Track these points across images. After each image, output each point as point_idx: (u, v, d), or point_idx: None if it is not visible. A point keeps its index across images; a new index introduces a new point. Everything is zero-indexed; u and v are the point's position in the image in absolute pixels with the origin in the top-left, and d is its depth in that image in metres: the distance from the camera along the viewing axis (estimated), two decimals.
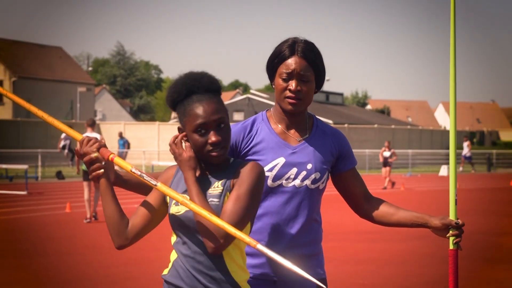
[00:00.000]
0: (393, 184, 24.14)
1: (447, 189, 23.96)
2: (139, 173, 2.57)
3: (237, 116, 50.30)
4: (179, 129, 2.66)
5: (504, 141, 64.47)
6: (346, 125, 40.11)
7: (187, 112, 2.60)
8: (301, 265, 2.88)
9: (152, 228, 2.70)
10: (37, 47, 59.83)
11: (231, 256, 2.58)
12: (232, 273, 2.57)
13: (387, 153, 23.85)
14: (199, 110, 2.57)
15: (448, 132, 55.06)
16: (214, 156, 2.58)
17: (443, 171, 34.55)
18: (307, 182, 3.00)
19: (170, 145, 2.63)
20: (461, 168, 36.66)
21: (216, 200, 2.56)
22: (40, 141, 36.29)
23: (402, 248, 10.53)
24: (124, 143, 31.33)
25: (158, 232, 2.74)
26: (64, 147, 32.75)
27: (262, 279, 2.99)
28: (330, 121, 38.77)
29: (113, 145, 33.36)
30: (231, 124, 2.79)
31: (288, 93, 2.98)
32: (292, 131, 3.07)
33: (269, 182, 2.97)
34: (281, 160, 2.99)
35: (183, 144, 2.61)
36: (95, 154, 2.61)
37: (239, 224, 2.48)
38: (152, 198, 2.69)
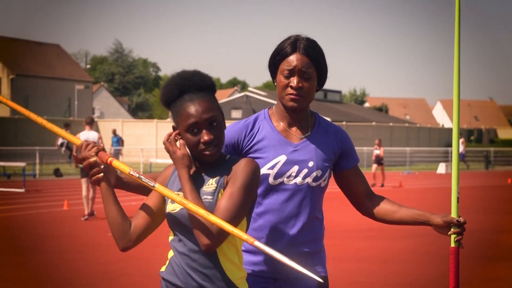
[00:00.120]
0: (373, 184, 24.11)
1: (445, 187, 24.01)
2: (137, 175, 2.58)
3: (235, 114, 50.30)
4: (173, 128, 2.67)
5: (502, 139, 64.59)
6: (344, 123, 40.09)
7: (179, 112, 2.60)
8: (302, 263, 2.88)
9: (154, 228, 2.71)
10: (35, 45, 59.74)
11: (225, 254, 2.58)
12: (226, 271, 2.58)
13: (378, 151, 23.91)
14: (191, 109, 2.57)
15: (446, 130, 55.19)
16: (208, 154, 2.58)
17: (441, 168, 34.58)
18: (309, 179, 2.99)
19: (164, 143, 2.63)
20: (466, 165, 36.64)
21: (209, 197, 2.57)
22: (38, 138, 36.24)
23: (402, 246, 10.52)
24: (118, 140, 31.32)
25: (156, 229, 2.74)
26: (62, 144, 32.66)
27: (262, 277, 3.00)
28: (328, 119, 38.57)
29: (109, 142, 33.34)
30: (232, 122, 2.78)
31: (289, 90, 2.97)
32: (294, 128, 3.06)
33: (271, 179, 2.97)
34: (282, 158, 2.98)
35: (177, 142, 2.61)
36: (93, 159, 2.62)
37: (233, 221, 2.48)
38: (152, 198, 2.70)
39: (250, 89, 62.72)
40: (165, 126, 40.40)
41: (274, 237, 2.97)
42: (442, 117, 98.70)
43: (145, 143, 39.10)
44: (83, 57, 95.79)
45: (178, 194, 2.55)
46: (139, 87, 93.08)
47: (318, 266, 3.05)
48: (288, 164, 2.98)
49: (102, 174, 2.62)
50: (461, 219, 2.93)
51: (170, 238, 2.67)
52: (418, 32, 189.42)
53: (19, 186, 21.16)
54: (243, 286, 2.63)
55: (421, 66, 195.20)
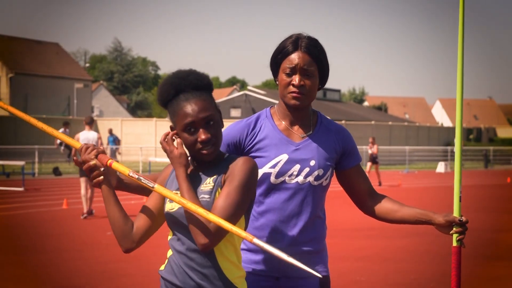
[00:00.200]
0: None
1: (444, 186, 24.01)
2: (136, 176, 2.58)
3: (234, 113, 50.30)
4: (171, 128, 2.67)
5: (501, 137, 64.60)
6: (343, 122, 40.10)
7: (176, 111, 2.60)
8: (304, 262, 2.87)
9: (156, 229, 2.72)
10: (34, 43, 59.69)
11: (223, 253, 2.58)
12: (224, 270, 2.58)
13: (370, 150, 23.97)
14: (187, 109, 2.57)
15: (445, 128, 55.19)
16: (205, 154, 2.58)
17: (440, 167, 34.58)
18: (310, 178, 2.99)
19: (161, 142, 2.64)
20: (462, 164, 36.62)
21: (207, 196, 2.57)
22: (37, 137, 36.22)
23: (402, 245, 10.52)
24: (114, 140, 31.31)
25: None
26: (61, 143, 32.60)
27: (264, 275, 2.99)
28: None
29: (105, 142, 33.27)
30: (232, 121, 2.78)
31: (291, 88, 2.97)
32: (296, 127, 3.06)
33: (272, 178, 2.97)
34: (284, 157, 2.98)
35: (175, 141, 2.62)
36: (93, 162, 2.62)
37: (230, 220, 2.47)
38: (153, 199, 2.71)
39: (249, 88, 62.71)
40: (164, 125, 40.39)
41: (276, 236, 2.96)
42: (441, 116, 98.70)
43: (144, 142, 39.10)
44: (82, 56, 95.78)
45: (176, 193, 2.55)
46: (138, 86, 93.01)
47: (320, 265, 3.04)
48: (289, 163, 2.98)
49: (102, 177, 2.62)
50: (463, 218, 2.91)
51: (169, 237, 2.68)
52: (417, 31, 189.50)
53: (18, 185, 21.15)
54: (241, 286, 2.62)
55: (421, 65, 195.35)
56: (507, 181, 27.09)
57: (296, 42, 2.98)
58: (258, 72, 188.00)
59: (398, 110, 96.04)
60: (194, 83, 2.61)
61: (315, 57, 2.98)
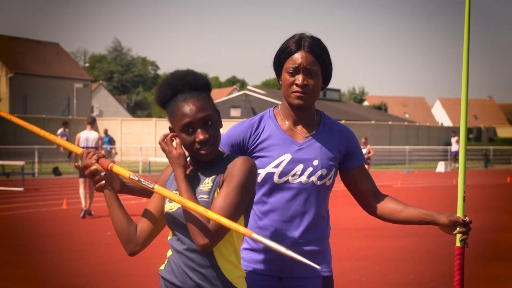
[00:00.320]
0: None
1: (444, 186, 24.00)
2: (137, 178, 2.59)
3: (234, 112, 50.29)
4: (170, 129, 2.67)
5: (501, 137, 64.60)
6: (343, 121, 40.09)
7: (174, 112, 2.61)
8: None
9: (160, 230, 2.72)
10: (34, 43, 59.65)
11: (222, 253, 2.58)
12: (223, 270, 2.58)
13: (364, 150, 23.92)
14: (185, 109, 2.58)
15: (445, 128, 55.18)
16: (203, 154, 2.59)
17: (440, 167, 34.56)
18: (314, 178, 2.99)
19: (160, 143, 2.65)
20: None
21: (205, 196, 2.57)
22: (37, 137, 36.08)
23: (402, 245, 10.51)
24: (109, 140, 31.33)
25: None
26: None
27: (267, 275, 3.00)
28: None
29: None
30: (231, 121, 2.78)
31: (295, 88, 2.98)
32: (299, 127, 3.06)
33: (275, 178, 2.97)
34: (287, 157, 2.99)
35: (174, 141, 2.62)
36: (94, 167, 2.63)
37: (230, 219, 2.47)
38: (154, 200, 2.72)
39: (249, 87, 62.66)
40: (164, 125, 40.37)
41: (279, 235, 2.97)
42: (441, 116, 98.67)
43: (144, 142, 39.09)
44: (82, 56, 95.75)
45: (176, 194, 2.55)
46: (138, 86, 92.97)
47: (323, 265, 3.04)
48: (292, 162, 2.98)
49: (103, 181, 2.63)
50: (467, 218, 2.92)
51: (169, 237, 2.68)
52: (417, 31, 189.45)
53: (18, 185, 21.15)
54: (241, 286, 2.63)
55: (421, 65, 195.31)
56: (507, 181, 27.08)
57: (299, 41, 2.99)
58: (257, 71, 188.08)
59: (398, 109, 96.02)
60: (191, 83, 2.61)
61: (318, 56, 2.99)
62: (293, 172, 2.97)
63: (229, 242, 2.59)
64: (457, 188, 3.00)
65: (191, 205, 2.44)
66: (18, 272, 8.32)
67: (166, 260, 2.67)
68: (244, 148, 3.02)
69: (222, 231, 2.48)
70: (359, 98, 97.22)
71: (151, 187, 2.54)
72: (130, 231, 2.64)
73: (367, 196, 3.12)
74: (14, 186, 21.18)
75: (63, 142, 2.79)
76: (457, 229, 2.92)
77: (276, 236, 2.96)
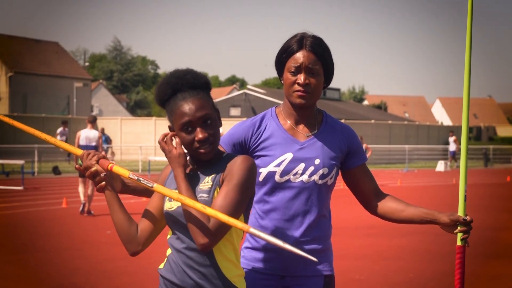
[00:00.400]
0: None
1: (444, 185, 24.00)
2: (136, 177, 2.60)
3: (234, 112, 50.27)
4: (169, 128, 2.67)
5: (501, 136, 64.62)
6: (343, 121, 40.07)
7: (173, 111, 2.61)
8: (309, 261, 2.93)
9: (160, 230, 2.73)
10: (33, 42, 59.62)
11: (222, 252, 2.58)
12: (223, 269, 2.58)
13: None
14: (184, 108, 2.58)
15: (445, 127, 55.16)
16: (203, 152, 2.59)
17: (440, 166, 34.54)
18: (315, 177, 2.99)
19: (159, 142, 2.65)
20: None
21: (205, 195, 2.57)
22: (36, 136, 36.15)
23: (402, 244, 10.51)
24: (106, 139, 31.33)
25: None
26: None
27: (269, 274, 3.00)
28: None
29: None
30: (231, 120, 2.79)
31: (296, 87, 2.98)
32: (301, 126, 3.07)
33: (277, 177, 2.98)
34: (289, 156, 2.99)
35: (173, 141, 2.63)
36: (94, 168, 2.64)
37: None
38: (154, 200, 2.72)
39: (249, 86, 62.63)
40: (164, 124, 40.35)
41: (281, 235, 2.97)
42: (441, 115, 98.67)
43: (143, 141, 39.07)
44: (81, 55, 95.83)
45: (176, 192, 2.56)
46: (137, 85, 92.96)
47: (324, 264, 3.05)
48: (294, 161, 2.98)
49: (104, 182, 2.64)
50: (468, 218, 2.92)
51: (169, 236, 2.69)
52: (417, 30, 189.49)
53: (18, 184, 21.14)
54: (240, 284, 2.63)
55: (420, 64, 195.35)
56: (507, 180, 27.08)
57: (301, 41, 2.99)
58: (257, 71, 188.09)
59: (397, 109, 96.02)
60: (191, 82, 2.61)
61: (320, 55, 2.99)
62: (294, 171, 2.98)
63: (228, 241, 2.59)
64: (456, 187, 3.00)
65: (189, 202, 2.45)
66: (18, 271, 8.32)
67: (166, 259, 2.67)
68: (246, 147, 3.02)
69: (222, 230, 2.48)
70: (359, 97, 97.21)
71: (150, 185, 2.55)
72: (131, 232, 2.65)
73: (369, 196, 3.12)
74: (14, 185, 21.18)
75: (64, 145, 2.80)
76: (458, 228, 2.92)
77: (277, 235, 2.95)
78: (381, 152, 39.99)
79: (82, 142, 13.93)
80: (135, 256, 2.70)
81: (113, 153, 32.09)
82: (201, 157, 2.60)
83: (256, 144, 3.02)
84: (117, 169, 2.62)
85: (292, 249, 2.34)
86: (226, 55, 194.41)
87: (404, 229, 11.58)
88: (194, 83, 2.62)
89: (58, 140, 2.81)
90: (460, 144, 36.29)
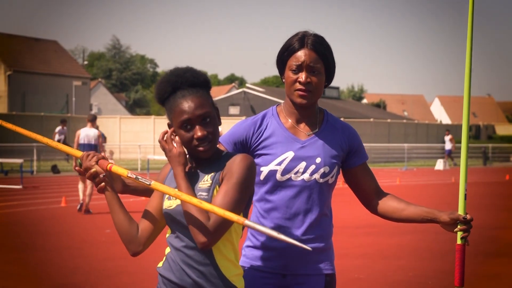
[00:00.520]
0: None
1: (443, 183, 24.00)
2: (134, 176, 2.61)
3: (233, 110, 50.26)
4: (168, 125, 2.68)
5: (500, 135, 64.59)
6: (342, 119, 39.99)
7: (173, 108, 2.61)
8: (310, 260, 2.95)
9: (161, 229, 2.73)
10: (32, 41, 59.59)
11: (221, 251, 2.58)
12: (221, 268, 2.58)
13: None
14: (183, 106, 2.58)
15: (444, 126, 55.13)
16: (201, 150, 2.59)
17: (439, 165, 34.54)
18: (316, 176, 2.99)
19: (159, 141, 2.65)
20: (453, 162, 36.39)
21: (205, 193, 2.58)
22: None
23: (402, 243, 10.51)
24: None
25: None
26: (59, 141, 32.70)
27: (270, 272, 3.00)
28: None
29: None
30: (230, 118, 2.78)
31: (298, 86, 2.98)
32: (302, 125, 3.06)
33: (278, 176, 2.98)
34: (290, 154, 2.99)
35: (173, 139, 2.63)
36: (94, 169, 2.64)
37: None
38: (153, 200, 2.72)
39: (248, 85, 62.58)
40: (163, 123, 40.34)
41: (282, 233, 2.95)
42: (440, 113, 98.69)
43: (142, 140, 39.05)
44: (80, 53, 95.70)
45: (175, 190, 2.55)
46: (136, 84, 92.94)
47: (325, 263, 3.05)
48: (295, 160, 2.98)
49: (103, 183, 2.64)
50: (468, 216, 2.91)
51: (167, 234, 2.69)
52: (416, 29, 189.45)
53: (17, 183, 21.13)
54: (239, 283, 2.63)
55: (419, 63, 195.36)
56: (506, 179, 27.09)
57: (302, 39, 2.98)
58: (256, 69, 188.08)
59: (396, 107, 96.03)
60: (190, 80, 2.61)
61: (322, 54, 2.98)
62: (295, 170, 2.97)
63: (228, 240, 2.59)
64: (455, 185, 3.00)
65: (186, 197, 2.45)
66: (17, 270, 8.31)
67: (164, 258, 2.68)
68: (247, 146, 3.02)
69: (222, 229, 2.48)
70: (358, 96, 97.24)
71: (148, 183, 2.55)
72: (131, 232, 2.65)
73: (370, 195, 3.12)
74: (13, 184, 21.16)
75: (64, 147, 2.82)
76: (458, 226, 2.92)
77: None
78: (380, 151, 40.00)
79: (82, 140, 13.94)
80: (136, 256, 2.70)
81: (111, 152, 32.07)
82: (200, 155, 2.60)
83: (257, 143, 3.02)
84: (116, 168, 2.62)
85: (286, 239, 2.34)
86: (225, 54, 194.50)
87: (404, 228, 11.58)
88: (193, 81, 2.62)
89: (59, 144, 2.82)
90: (456, 143, 36.01)
